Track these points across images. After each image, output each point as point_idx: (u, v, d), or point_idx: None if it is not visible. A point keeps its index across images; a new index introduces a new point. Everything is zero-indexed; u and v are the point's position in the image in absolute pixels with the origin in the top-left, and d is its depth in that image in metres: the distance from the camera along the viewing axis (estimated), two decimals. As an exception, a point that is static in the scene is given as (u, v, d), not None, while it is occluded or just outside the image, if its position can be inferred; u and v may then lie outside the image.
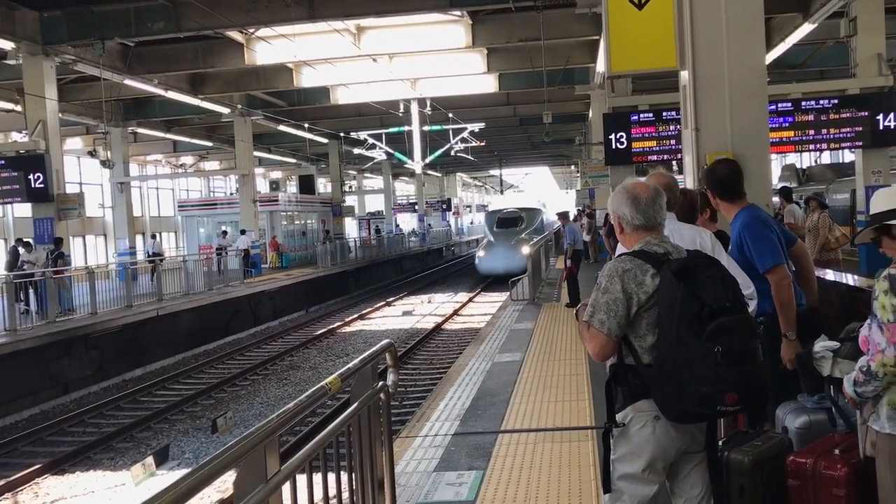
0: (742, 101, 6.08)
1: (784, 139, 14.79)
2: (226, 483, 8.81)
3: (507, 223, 33.54)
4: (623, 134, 15.40)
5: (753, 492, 3.06)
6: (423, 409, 7.10)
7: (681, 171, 7.67)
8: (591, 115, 27.05)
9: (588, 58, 22.12)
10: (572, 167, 60.02)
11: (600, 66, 19.51)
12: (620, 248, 3.12)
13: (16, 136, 25.77)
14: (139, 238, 36.61)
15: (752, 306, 3.38)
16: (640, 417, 2.77)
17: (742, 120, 6.09)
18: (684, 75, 6.42)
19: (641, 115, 15.61)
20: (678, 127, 12.79)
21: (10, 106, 21.94)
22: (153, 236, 31.75)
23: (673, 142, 15.17)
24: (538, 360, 9.11)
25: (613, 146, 15.49)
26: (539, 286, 16.28)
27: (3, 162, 18.25)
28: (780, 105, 14.64)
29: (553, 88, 22.64)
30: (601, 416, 2.93)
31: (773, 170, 30.31)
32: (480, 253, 32.66)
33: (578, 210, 29.94)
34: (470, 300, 25.96)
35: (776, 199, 12.75)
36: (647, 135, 15.49)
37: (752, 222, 4.20)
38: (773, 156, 25.73)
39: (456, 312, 22.78)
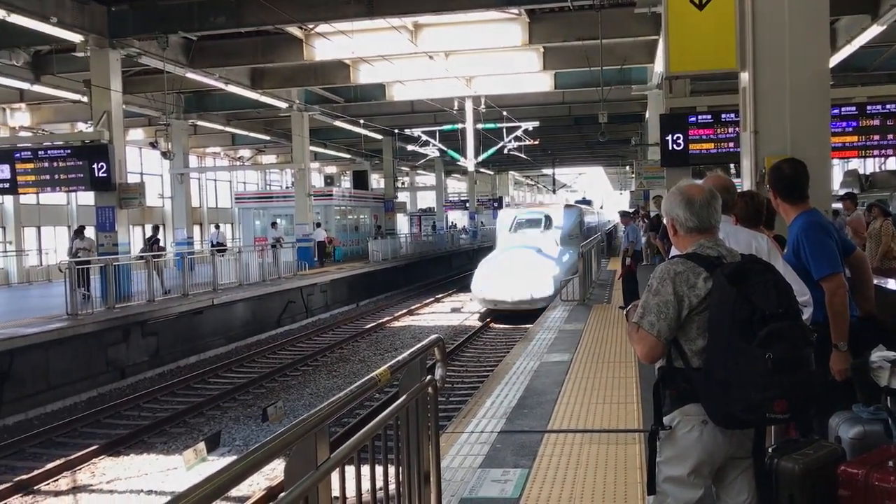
0: (803, 104, 5.97)
1: (847, 144, 14.41)
2: (275, 471, 8.98)
3: (529, 226, 24.48)
4: (680, 135, 15.19)
5: (803, 501, 3.02)
6: (469, 405, 7.13)
7: (738, 175, 7.56)
8: (647, 115, 26.73)
9: (646, 58, 21.86)
10: (627, 168, 59.30)
11: (658, 66, 19.26)
12: (674, 251, 3.11)
13: (81, 126, 26.53)
14: (196, 228, 37.40)
15: (806, 314, 3.33)
16: (687, 421, 2.76)
17: (802, 123, 5.98)
18: (744, 77, 6.32)
19: (700, 117, 15.37)
20: (737, 129, 12.57)
21: (76, 97, 22.63)
22: (216, 226, 32.56)
23: (731, 144, 14.91)
24: (587, 361, 9.06)
25: (670, 147, 15.28)
26: (589, 287, 16.17)
27: (69, 151, 18.80)
28: (843, 109, 14.26)
29: (609, 88, 22.40)
30: (649, 419, 2.92)
31: (835, 175, 29.57)
32: (481, 270, 21.79)
33: (633, 211, 29.00)
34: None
35: (837, 205, 12.45)
36: (704, 137, 15.24)
37: (811, 227, 4.07)
38: (835, 161, 25.10)
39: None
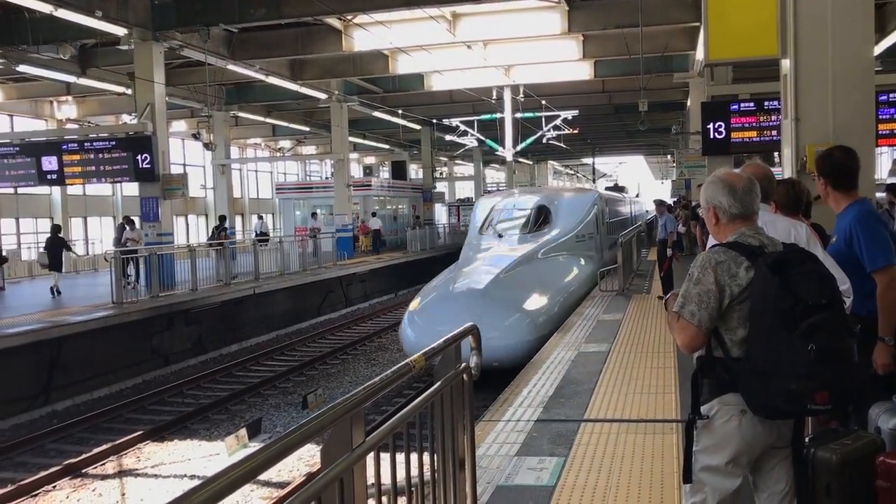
0: (846, 91, 5.85)
1: (895, 131, 14.07)
2: (314, 457, 9.10)
3: (511, 224, 16.86)
4: (722, 123, 14.96)
5: (840, 491, 2.99)
6: (506, 394, 7.15)
7: (780, 163, 7.44)
8: (689, 103, 26.35)
9: (687, 45, 21.56)
10: (668, 157, 58.62)
11: (699, 53, 18.99)
12: (711, 241, 3.08)
13: (126, 118, 27.00)
14: (238, 219, 37.91)
15: (847, 303, 3.28)
16: (725, 410, 2.75)
17: (845, 110, 5.87)
18: (785, 64, 6.22)
19: (742, 105, 15.13)
20: (780, 117, 12.37)
21: (121, 89, 23.04)
22: (259, 217, 33.11)
23: (774, 133, 14.63)
24: (625, 351, 9.02)
25: (711, 136, 15.07)
26: (629, 277, 16.05)
27: (113, 143, 19.16)
28: (891, 95, 13.93)
29: (650, 76, 22.16)
30: (687, 409, 2.91)
31: (884, 163, 28.84)
32: (417, 306, 13.48)
33: (674, 201, 28.32)
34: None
35: (881, 194, 12.17)
36: (747, 125, 15.00)
37: (866, 217, 3.94)
38: (883, 149, 24.51)
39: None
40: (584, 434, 5.77)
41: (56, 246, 17.72)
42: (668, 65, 24.20)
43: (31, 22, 17.63)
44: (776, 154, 16.23)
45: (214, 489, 1.62)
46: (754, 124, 14.99)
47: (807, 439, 2.93)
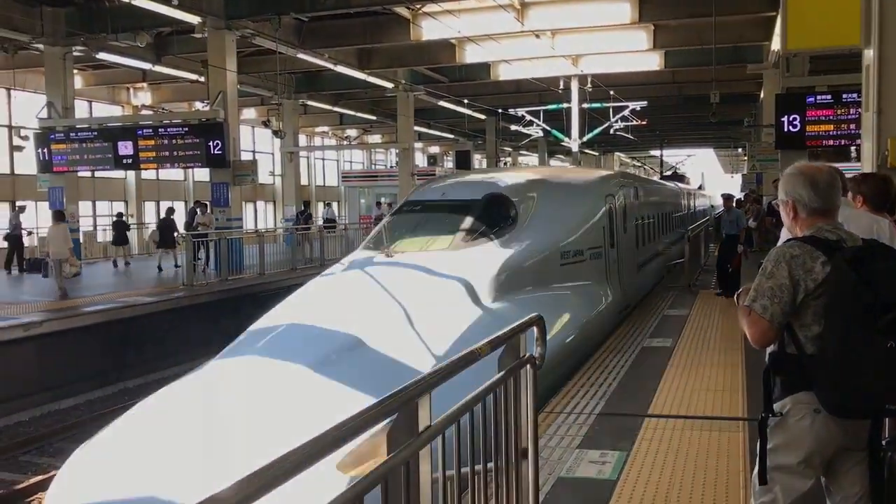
0: (934, 83, 5.61)
1: None
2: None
3: (437, 227, 8.97)
4: (797, 116, 14.51)
5: (919, 497, 2.88)
6: (569, 386, 7.10)
7: (858, 158, 7.19)
8: (762, 95, 25.66)
9: (762, 35, 20.96)
10: (739, 150, 57.22)
11: (775, 44, 18.43)
12: (785, 234, 3.00)
13: (198, 105, 27.65)
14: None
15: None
16: (798, 409, 2.68)
17: (933, 103, 5.63)
18: (868, 54, 6.00)
19: (818, 97, 14.65)
20: (859, 110, 11.95)
21: (194, 77, 23.59)
22: (327, 204, 33.51)
23: (853, 126, 14.14)
24: (691, 347, 8.86)
25: (785, 129, 14.63)
26: (696, 272, 15.74)
27: (186, 129, 19.64)
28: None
29: (722, 67, 21.62)
30: (755, 407, 2.85)
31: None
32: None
33: (745, 195, 27.38)
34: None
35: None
36: (823, 118, 14.52)
37: None
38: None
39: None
40: (648, 429, 5.69)
41: (168, 226, 19.44)
42: (742, 55, 23.57)
43: (111, 10, 18.19)
44: (853, 148, 15.67)
45: (279, 470, 1.64)
46: (831, 117, 14.51)
47: (884, 442, 2.83)
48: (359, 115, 34.91)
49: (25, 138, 20.89)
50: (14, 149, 22.43)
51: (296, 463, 1.70)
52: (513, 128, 35.96)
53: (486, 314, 7.38)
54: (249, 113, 33.60)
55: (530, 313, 3.60)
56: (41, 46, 19.74)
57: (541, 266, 8.86)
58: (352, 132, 45.09)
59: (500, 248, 8.40)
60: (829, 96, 14.59)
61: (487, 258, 8.16)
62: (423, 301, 7.10)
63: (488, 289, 7.77)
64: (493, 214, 8.91)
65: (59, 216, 16.27)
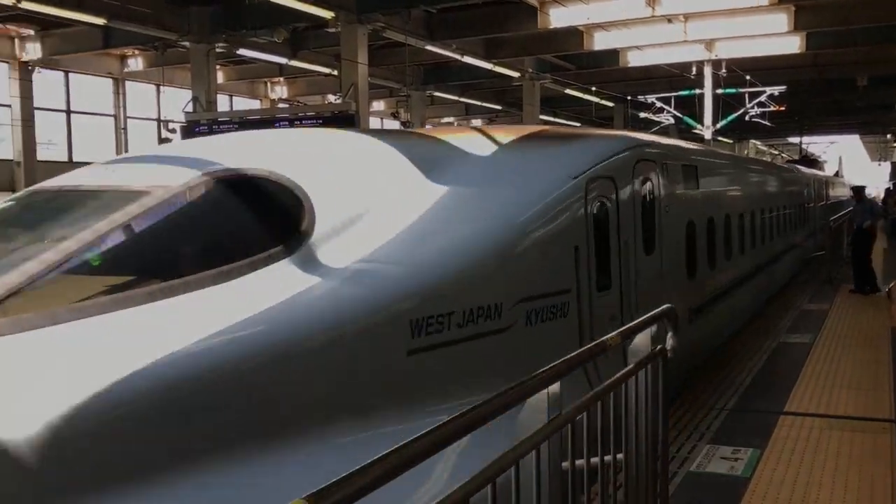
0: None
1: None
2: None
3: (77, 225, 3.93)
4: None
5: None
6: (701, 379, 6.94)
7: None
8: (916, 77, 23.98)
9: (916, 12, 19.56)
10: (889, 136, 53.68)
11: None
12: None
13: (331, 98, 28.52)
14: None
15: None
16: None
17: None
18: None
19: (981, 78, 13.54)
20: None
21: (327, 70, 24.37)
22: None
23: None
24: (831, 343, 8.44)
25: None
26: (838, 266, 14.93)
27: (320, 121, 20.29)
28: None
29: (870, 47, 20.33)
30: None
31: None
32: None
33: (893, 184, 25.29)
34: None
35: None
36: None
37: None
38: None
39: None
40: (783, 427, 5.49)
41: None
42: (891, 35, 22.06)
43: (251, 8, 19.04)
44: None
45: (412, 452, 1.70)
46: None
47: None
48: (485, 104, 35.03)
49: (173, 131, 22.21)
50: (163, 141, 23.90)
51: (429, 445, 1.78)
52: (642, 115, 35.15)
53: None
54: (379, 105, 34.33)
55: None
56: (187, 44, 20.90)
57: (326, 378, 3.73)
58: (478, 122, 45.32)
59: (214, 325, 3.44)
60: None
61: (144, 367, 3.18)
62: None
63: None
64: (222, 225, 4.29)
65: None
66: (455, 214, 4.68)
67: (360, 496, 1.51)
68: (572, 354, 2.60)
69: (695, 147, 11.10)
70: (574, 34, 23.07)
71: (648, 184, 6.55)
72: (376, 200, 4.51)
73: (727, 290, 9.25)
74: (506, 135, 6.09)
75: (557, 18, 20.26)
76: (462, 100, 33.48)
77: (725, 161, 11.85)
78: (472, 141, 5.80)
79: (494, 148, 5.71)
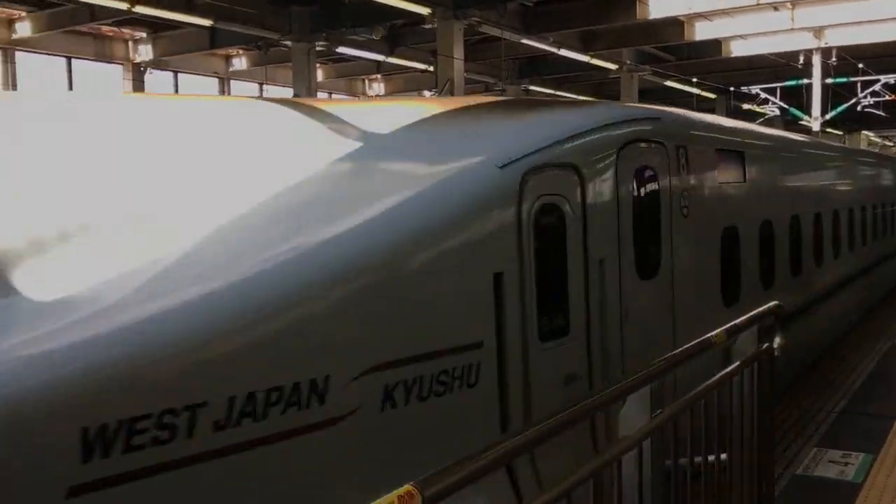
0: None
1: None
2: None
3: None
4: None
5: None
6: (808, 379, 6.69)
7: None
8: None
9: None
10: None
11: None
12: None
13: (426, 94, 28.79)
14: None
15: None
16: None
17: None
18: None
19: None
20: None
21: (423, 66, 24.62)
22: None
23: None
24: (951, 345, 7.99)
25: None
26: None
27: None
28: None
29: None
30: None
31: None
32: None
33: None
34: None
35: None
36: None
37: None
38: None
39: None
40: (899, 432, 5.24)
41: None
42: None
43: (349, 6, 19.41)
44: None
45: (522, 440, 1.73)
46: None
47: None
48: (581, 98, 34.64)
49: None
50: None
51: (539, 434, 1.80)
52: (745, 107, 34.01)
53: None
54: (473, 100, 34.38)
55: None
56: (289, 43, 21.49)
57: None
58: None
59: None
60: None
61: None
62: None
63: None
64: None
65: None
66: (246, 237, 3.04)
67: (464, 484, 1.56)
68: (675, 352, 2.55)
69: (741, 126, 7.99)
70: (674, 24, 22.53)
71: (650, 176, 4.75)
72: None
73: (797, 318, 6.53)
74: (428, 109, 4.63)
75: (657, 8, 19.83)
76: (559, 94, 33.20)
77: (795, 146, 8.99)
78: (364, 116, 4.37)
79: (391, 128, 4.04)
